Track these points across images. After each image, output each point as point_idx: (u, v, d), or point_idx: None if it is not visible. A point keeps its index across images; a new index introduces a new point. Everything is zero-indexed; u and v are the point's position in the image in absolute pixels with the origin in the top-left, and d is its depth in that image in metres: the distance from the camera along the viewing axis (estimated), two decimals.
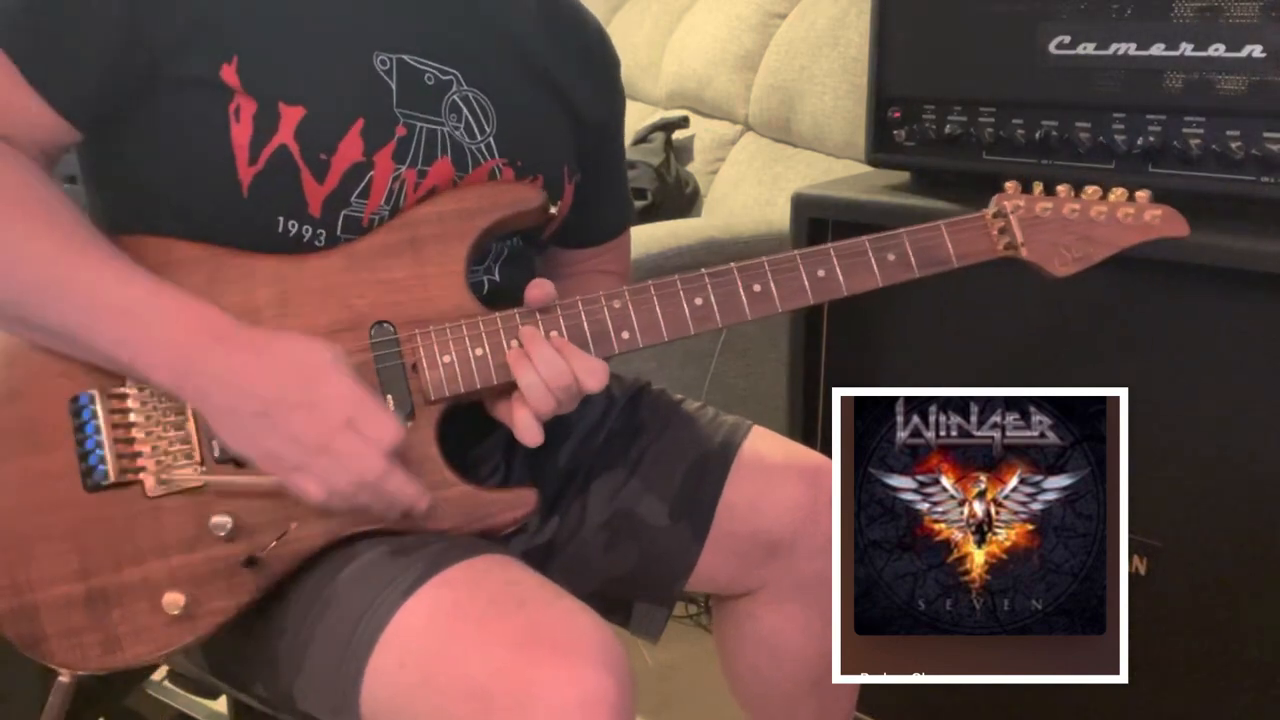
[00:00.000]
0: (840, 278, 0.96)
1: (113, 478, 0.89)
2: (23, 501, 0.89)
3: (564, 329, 0.93)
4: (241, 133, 0.89)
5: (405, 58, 0.95)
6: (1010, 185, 1.00)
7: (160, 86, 0.90)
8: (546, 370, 0.91)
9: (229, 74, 0.89)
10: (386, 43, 0.95)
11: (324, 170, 0.91)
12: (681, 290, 0.95)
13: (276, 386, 0.84)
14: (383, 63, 0.94)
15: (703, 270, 0.96)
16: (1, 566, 0.89)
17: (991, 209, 1.00)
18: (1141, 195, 1.01)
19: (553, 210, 1.01)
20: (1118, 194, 1.01)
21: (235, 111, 0.89)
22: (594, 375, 0.92)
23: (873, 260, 0.97)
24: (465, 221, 0.95)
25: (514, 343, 0.93)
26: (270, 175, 0.90)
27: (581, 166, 1.11)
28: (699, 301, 0.95)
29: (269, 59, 0.90)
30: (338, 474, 0.85)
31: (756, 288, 0.95)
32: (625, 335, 0.94)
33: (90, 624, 0.90)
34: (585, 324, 0.94)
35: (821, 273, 0.96)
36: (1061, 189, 1.00)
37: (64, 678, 1.13)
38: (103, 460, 0.89)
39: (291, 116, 0.90)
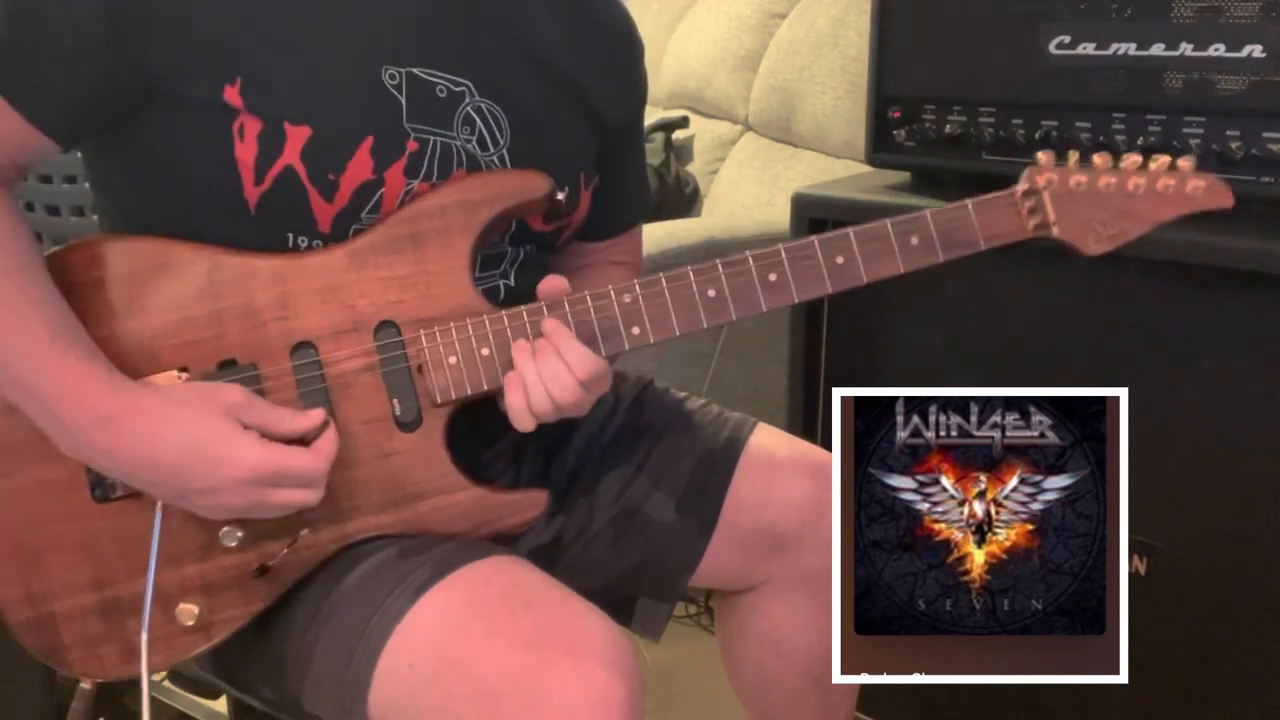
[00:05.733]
0: (860, 264, 0.93)
1: (120, 489, 0.89)
2: (33, 513, 0.89)
3: (572, 325, 0.92)
4: (246, 152, 0.88)
5: (415, 71, 0.93)
6: (1043, 155, 0.94)
7: (160, 105, 0.89)
8: (548, 373, 0.90)
9: (232, 95, 0.87)
10: (395, 56, 0.92)
11: (332, 190, 0.90)
12: (694, 281, 0.92)
13: (176, 477, 0.84)
14: (392, 77, 0.92)
15: (716, 260, 0.92)
16: (16, 578, 0.89)
17: (1022, 185, 0.94)
18: (1184, 164, 0.94)
19: (560, 197, 0.99)
20: (1159, 162, 0.94)
21: (240, 130, 0.88)
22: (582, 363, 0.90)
23: (895, 244, 0.93)
24: (468, 214, 0.93)
25: (522, 340, 0.91)
26: (277, 195, 0.89)
27: (599, 166, 1.08)
28: (712, 293, 0.92)
29: (273, 79, 0.88)
30: (287, 509, 0.88)
31: (772, 277, 0.92)
32: (635, 330, 0.92)
33: (107, 633, 0.90)
34: (594, 320, 0.92)
35: (841, 259, 0.92)
36: (1098, 158, 0.94)
37: (86, 684, 1.12)
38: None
39: (298, 137, 0.88)
